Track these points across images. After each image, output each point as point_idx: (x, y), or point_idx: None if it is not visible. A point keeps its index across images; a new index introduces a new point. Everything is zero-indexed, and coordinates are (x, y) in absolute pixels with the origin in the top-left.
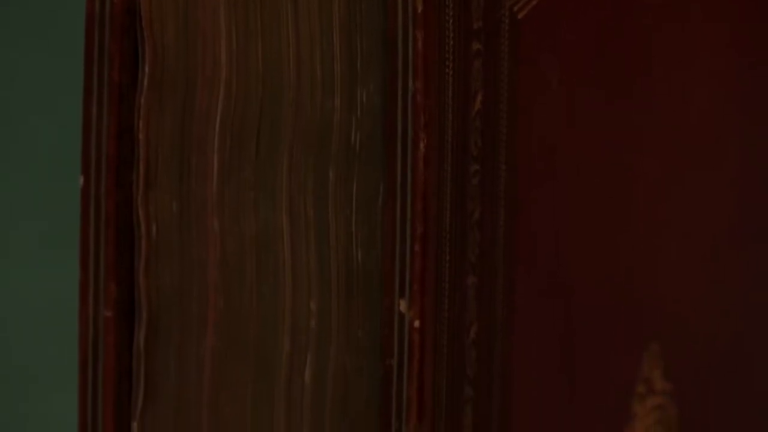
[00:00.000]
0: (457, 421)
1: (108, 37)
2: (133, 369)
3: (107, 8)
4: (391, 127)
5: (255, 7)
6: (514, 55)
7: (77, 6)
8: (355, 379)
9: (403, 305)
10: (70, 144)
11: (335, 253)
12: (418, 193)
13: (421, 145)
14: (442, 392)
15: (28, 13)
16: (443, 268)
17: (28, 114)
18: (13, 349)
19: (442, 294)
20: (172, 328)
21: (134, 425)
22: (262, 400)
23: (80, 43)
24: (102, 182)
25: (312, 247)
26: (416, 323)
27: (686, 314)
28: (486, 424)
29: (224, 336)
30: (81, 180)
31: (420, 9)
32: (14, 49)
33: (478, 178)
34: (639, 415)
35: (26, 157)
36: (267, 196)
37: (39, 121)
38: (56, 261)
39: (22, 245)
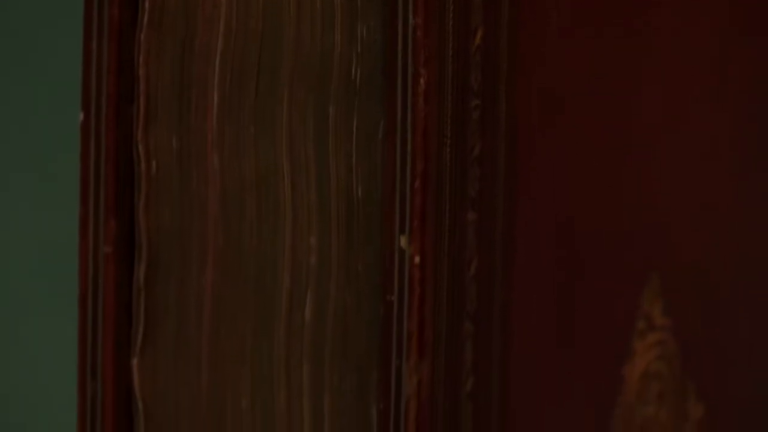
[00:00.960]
0: (457, 357)
1: None
2: (132, 305)
3: None
4: (391, 63)
5: None
6: None
7: None
8: (355, 315)
9: (403, 241)
10: (69, 80)
11: (335, 189)
12: (419, 129)
13: (422, 81)
14: (443, 328)
15: None
16: (443, 204)
17: (27, 51)
18: (11, 285)
19: (442, 230)
20: (172, 264)
21: (134, 361)
22: (262, 336)
23: None
24: (102, 118)
25: (312, 183)
26: (416, 259)
27: (686, 248)
28: (486, 360)
29: (224, 272)
30: (81, 116)
31: None
32: None
33: (479, 113)
34: (639, 351)
35: (25, 95)
36: (267, 133)
37: (38, 58)
38: (55, 199)
39: (21, 183)
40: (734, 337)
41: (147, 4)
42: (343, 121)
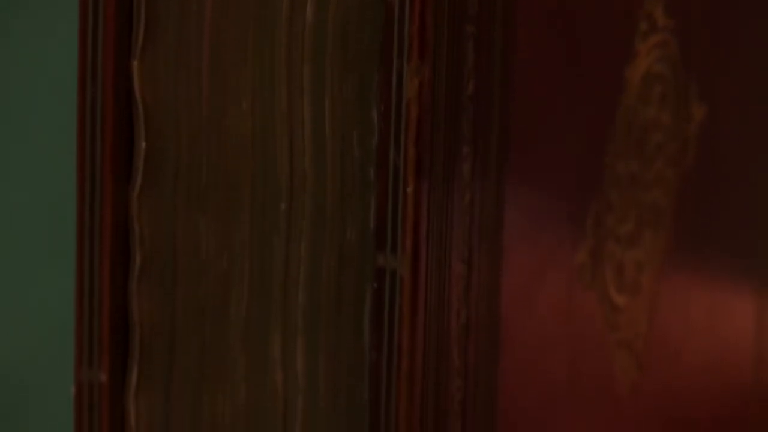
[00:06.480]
0: (458, 59)
1: None
2: (133, 6)
3: None
4: None
5: None
6: None
7: None
8: (356, 16)
9: None
10: None
11: None
12: None
13: None
14: (444, 30)
15: None
16: None
17: None
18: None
19: None
20: None
21: (134, 63)
22: (263, 38)
23: None
24: None
25: None
26: None
27: None
28: (488, 62)
29: None
30: None
31: None
32: None
33: None
34: (641, 52)
35: None
36: None
37: None
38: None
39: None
40: (737, 39)
41: None
42: None
